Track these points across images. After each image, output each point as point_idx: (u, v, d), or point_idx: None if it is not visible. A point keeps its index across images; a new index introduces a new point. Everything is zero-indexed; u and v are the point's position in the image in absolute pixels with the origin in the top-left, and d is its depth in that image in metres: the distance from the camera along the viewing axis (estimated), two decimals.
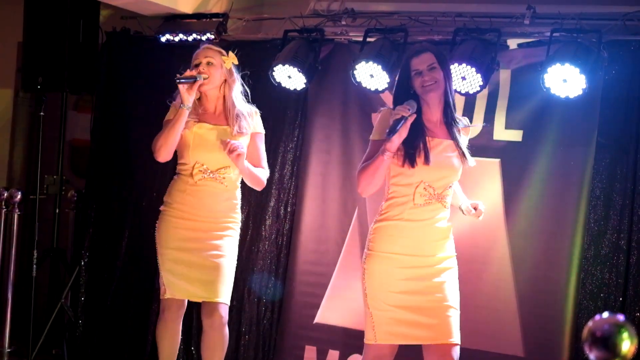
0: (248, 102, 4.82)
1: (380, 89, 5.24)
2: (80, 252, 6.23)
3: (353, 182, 5.50)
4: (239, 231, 4.83)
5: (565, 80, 4.69)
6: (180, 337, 4.87)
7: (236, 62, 4.78)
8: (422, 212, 4.05)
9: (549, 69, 4.69)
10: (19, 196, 6.00)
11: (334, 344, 5.49)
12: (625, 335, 2.08)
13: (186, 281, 4.68)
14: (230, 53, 4.78)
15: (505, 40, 5.10)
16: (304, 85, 5.46)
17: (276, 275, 5.69)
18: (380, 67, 5.12)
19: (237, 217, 4.81)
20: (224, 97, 4.74)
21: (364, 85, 5.24)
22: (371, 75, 5.18)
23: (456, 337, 4.08)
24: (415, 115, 3.97)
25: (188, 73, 4.62)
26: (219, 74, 4.70)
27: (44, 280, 6.45)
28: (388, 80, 5.15)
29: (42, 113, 6.16)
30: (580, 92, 4.71)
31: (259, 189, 4.86)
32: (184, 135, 4.66)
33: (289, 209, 5.72)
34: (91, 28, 6.28)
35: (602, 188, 4.80)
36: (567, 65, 4.63)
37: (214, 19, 5.92)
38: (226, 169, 4.68)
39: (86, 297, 6.18)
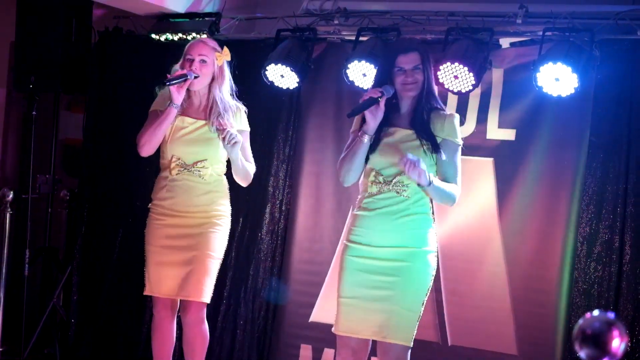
0: (235, 99, 4.78)
1: None
2: (72, 251, 6.22)
3: None
4: (224, 224, 4.74)
5: (558, 79, 4.69)
6: (174, 336, 4.83)
7: (229, 59, 4.75)
8: (376, 201, 4.02)
9: (542, 68, 4.69)
10: (11, 196, 5.98)
11: (330, 343, 5.47)
12: (615, 333, 2.08)
13: (169, 279, 4.65)
14: (225, 49, 4.74)
15: (497, 39, 5.10)
16: (296, 85, 5.46)
17: (271, 274, 5.68)
18: (372, 66, 5.11)
19: (222, 209, 4.73)
20: (210, 94, 4.70)
21: (356, 84, 5.24)
22: (364, 75, 5.18)
23: (398, 338, 3.97)
24: (384, 99, 3.95)
25: (178, 72, 4.59)
26: (210, 72, 4.67)
27: (36, 279, 6.45)
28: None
29: (34, 113, 6.15)
30: (573, 91, 4.71)
31: (245, 184, 4.80)
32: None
33: (283, 208, 5.71)
34: (84, 27, 6.26)
35: (594, 187, 4.81)
36: (559, 64, 4.63)
37: (206, 19, 5.90)
38: (203, 162, 4.64)
39: (78, 296, 6.17)
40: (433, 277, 4.06)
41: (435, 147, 4.00)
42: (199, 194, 4.66)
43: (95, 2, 6.07)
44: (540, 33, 4.87)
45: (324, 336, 5.48)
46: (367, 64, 5.12)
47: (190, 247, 4.64)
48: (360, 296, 4.00)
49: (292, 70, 5.37)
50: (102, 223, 6.20)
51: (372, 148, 4.02)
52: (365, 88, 5.22)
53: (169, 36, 5.93)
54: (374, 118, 3.97)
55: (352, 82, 5.24)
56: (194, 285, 4.60)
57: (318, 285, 5.54)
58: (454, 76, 4.86)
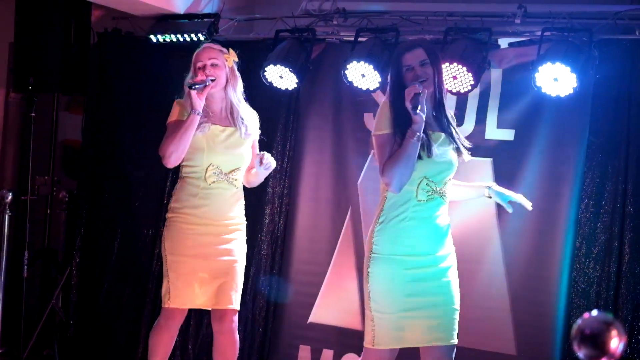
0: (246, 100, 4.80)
1: (371, 89, 5.23)
2: (71, 253, 6.22)
3: (346, 181, 5.51)
4: (245, 231, 4.78)
5: (556, 79, 4.69)
6: (174, 341, 4.82)
7: (237, 59, 4.73)
8: (425, 209, 3.96)
9: (540, 68, 4.69)
10: (10, 197, 5.97)
11: (328, 344, 5.49)
12: (614, 333, 2.08)
13: (201, 290, 4.58)
14: (231, 50, 4.72)
15: (496, 39, 5.10)
16: (295, 85, 5.45)
17: (271, 275, 5.68)
18: (371, 66, 5.11)
19: (244, 217, 4.77)
20: (227, 97, 4.67)
21: (355, 84, 5.24)
22: (363, 75, 5.18)
23: (456, 338, 4.03)
24: (425, 93, 3.89)
25: (198, 79, 4.53)
26: (223, 74, 4.64)
27: (35, 281, 6.44)
28: (379, 79, 5.15)
29: (33, 114, 6.15)
30: (571, 91, 4.71)
31: (250, 186, 4.83)
32: (195, 139, 4.54)
33: (283, 209, 5.71)
34: (82, 28, 6.27)
35: (593, 186, 4.81)
36: (558, 64, 4.63)
37: (205, 20, 5.90)
38: (237, 170, 4.64)
39: (77, 298, 6.17)
40: None
41: (461, 150, 4.06)
42: (233, 202, 4.65)
43: (94, 3, 6.06)
44: (539, 33, 4.87)
45: (323, 337, 5.49)
46: (366, 64, 5.12)
47: (223, 256, 4.60)
48: (416, 307, 3.95)
49: (291, 71, 5.37)
50: (101, 224, 6.19)
51: (429, 154, 3.93)
52: (364, 88, 5.22)
53: (168, 37, 5.93)
54: (423, 115, 3.85)
55: (351, 83, 5.24)
56: (231, 294, 4.60)
57: (317, 286, 5.54)
58: (453, 76, 4.86)
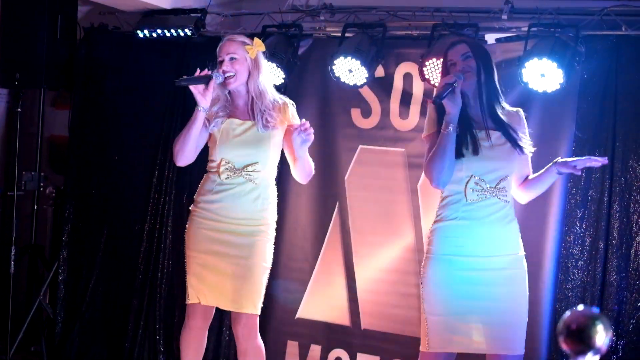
0: (279, 92, 4.59)
1: (359, 84, 5.24)
2: (58, 248, 6.20)
3: (333, 177, 5.50)
4: (272, 232, 4.49)
5: (543, 75, 4.70)
6: (205, 346, 4.63)
7: (263, 49, 4.51)
8: (477, 209, 3.91)
9: (527, 64, 4.70)
10: None
11: (316, 339, 5.49)
12: (599, 327, 2.09)
13: (213, 287, 4.42)
14: (256, 40, 4.51)
15: (483, 35, 5.10)
16: (282, 81, 5.44)
17: None
18: (359, 62, 5.11)
19: (270, 217, 4.48)
20: (249, 90, 4.47)
21: (342, 80, 5.24)
22: (350, 70, 5.18)
23: (514, 349, 3.93)
24: (460, 83, 3.87)
25: (199, 74, 4.36)
26: (244, 68, 4.44)
27: (22, 277, 6.42)
28: (367, 75, 5.15)
29: (19, 109, 6.13)
30: (558, 87, 4.72)
31: (305, 180, 4.61)
32: (213, 133, 4.44)
33: None
34: (69, 24, 6.23)
35: (579, 182, 4.81)
36: (544, 59, 4.64)
37: (192, 15, 5.89)
38: (254, 165, 4.41)
39: (65, 293, 6.15)
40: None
41: (521, 147, 3.98)
42: (249, 200, 4.41)
43: None
44: (526, 29, 4.88)
45: (311, 332, 5.49)
46: (353, 60, 5.12)
47: (240, 257, 4.39)
48: (467, 311, 3.88)
49: (278, 67, 5.36)
50: (88, 220, 6.18)
51: (474, 151, 3.90)
52: (351, 84, 5.23)
53: (155, 32, 5.90)
54: (454, 105, 3.85)
55: (338, 78, 5.24)
56: (248, 297, 4.39)
57: (305, 282, 5.55)
58: (440, 72, 4.85)
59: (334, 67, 5.21)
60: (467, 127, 3.94)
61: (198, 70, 4.40)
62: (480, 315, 3.88)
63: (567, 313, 2.13)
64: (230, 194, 4.40)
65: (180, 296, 5.46)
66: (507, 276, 3.92)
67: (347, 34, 5.34)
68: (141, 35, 5.95)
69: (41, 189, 6.38)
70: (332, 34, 5.57)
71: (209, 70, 4.38)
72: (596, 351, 2.09)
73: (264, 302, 5.58)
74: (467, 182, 3.91)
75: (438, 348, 3.92)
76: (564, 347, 2.11)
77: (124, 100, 6.12)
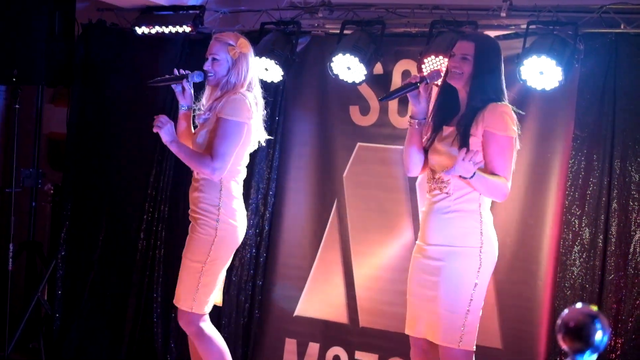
0: (250, 90, 4.46)
1: (357, 82, 5.23)
2: (56, 245, 6.20)
3: (331, 174, 5.50)
4: (210, 229, 4.34)
5: (542, 73, 4.70)
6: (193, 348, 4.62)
7: (246, 51, 4.46)
8: (429, 201, 4.04)
9: (526, 62, 4.69)
10: None
11: (314, 337, 5.49)
12: (598, 326, 2.09)
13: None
14: (241, 41, 4.48)
15: (482, 32, 5.10)
16: (280, 78, 5.44)
17: (256, 268, 5.67)
18: (357, 59, 5.11)
19: (208, 212, 4.35)
20: (220, 87, 4.42)
21: (341, 77, 5.24)
22: (348, 68, 5.18)
23: (437, 338, 3.94)
24: (423, 85, 3.96)
25: (176, 73, 4.44)
26: (223, 68, 4.40)
27: (20, 274, 6.42)
28: (365, 72, 5.15)
29: (17, 106, 6.12)
30: (557, 85, 4.72)
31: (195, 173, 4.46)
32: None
33: (268, 202, 5.70)
34: (67, 20, 6.22)
35: (578, 180, 4.81)
36: (543, 57, 4.64)
37: (190, 12, 5.89)
38: None
39: (63, 290, 6.15)
40: (479, 275, 3.93)
41: (464, 141, 3.88)
42: (191, 193, 4.44)
43: None
44: (525, 26, 4.87)
45: (309, 330, 5.49)
46: (352, 57, 5.11)
47: (184, 250, 4.48)
48: (415, 294, 4.04)
49: (276, 64, 5.36)
50: (86, 217, 6.18)
51: (427, 147, 4.06)
52: (350, 81, 5.23)
53: (153, 29, 5.90)
54: (417, 103, 4.03)
55: (336, 76, 5.23)
56: (178, 290, 4.44)
57: (303, 280, 5.54)
58: (439, 69, 4.85)
59: (332, 64, 5.20)
60: (437, 123, 4.04)
61: (175, 70, 4.46)
62: (421, 301, 4.00)
63: (566, 311, 2.13)
64: (190, 187, 4.49)
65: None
66: (438, 267, 3.95)
67: (345, 31, 5.33)
68: (139, 31, 5.95)
69: (39, 185, 6.37)
70: (330, 31, 5.56)
71: (185, 70, 4.45)
72: (594, 349, 2.09)
73: (262, 300, 5.59)
74: (430, 175, 4.07)
75: (407, 330, 4.10)
76: (563, 345, 2.10)
77: (123, 97, 6.12)
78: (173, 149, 4.35)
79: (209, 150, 4.30)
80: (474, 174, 3.77)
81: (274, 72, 5.41)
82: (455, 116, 4.02)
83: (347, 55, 5.13)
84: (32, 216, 6.32)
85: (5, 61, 6.15)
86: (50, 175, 6.61)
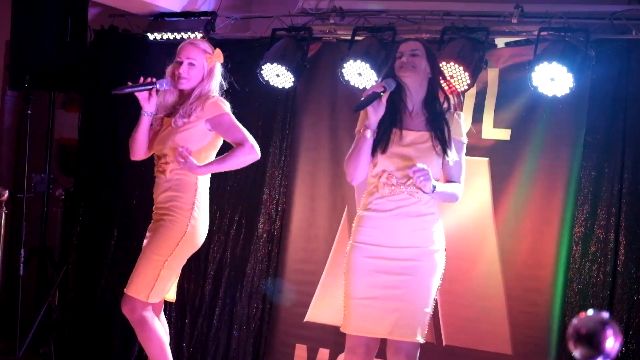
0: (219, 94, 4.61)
1: (368, 88, 5.23)
2: (68, 250, 6.22)
3: (342, 180, 5.49)
4: (182, 226, 4.43)
5: (553, 79, 4.70)
6: (162, 329, 4.67)
7: (221, 61, 4.61)
8: (387, 203, 4.03)
9: (537, 68, 4.69)
10: (6, 195, 5.98)
11: (325, 343, 5.49)
12: (609, 332, 2.08)
13: None
14: (217, 51, 4.61)
15: (493, 39, 5.10)
16: (292, 84, 5.46)
17: (267, 274, 5.68)
18: (368, 65, 5.12)
19: (182, 209, 4.44)
20: (191, 93, 4.54)
21: (352, 83, 5.25)
22: (359, 74, 5.18)
23: (407, 335, 4.00)
24: (387, 93, 3.97)
25: (142, 81, 4.52)
26: (198, 74, 4.53)
27: (31, 279, 6.43)
28: (376, 78, 5.15)
29: (29, 111, 6.14)
30: (568, 91, 4.72)
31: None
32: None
33: (279, 208, 5.71)
34: (79, 26, 6.25)
35: (589, 186, 4.81)
36: (554, 64, 4.64)
37: (202, 18, 5.91)
38: (165, 157, 4.50)
39: (74, 295, 6.17)
40: (442, 276, 4.09)
41: (446, 150, 4.02)
42: (162, 191, 4.51)
43: (91, 0, 6.06)
44: (536, 33, 4.87)
45: (319, 336, 5.49)
46: (363, 63, 5.12)
47: (146, 242, 4.54)
48: (373, 296, 4.02)
49: (287, 70, 5.37)
50: (97, 222, 6.19)
51: (383, 150, 4.03)
52: (360, 87, 5.23)
53: (165, 35, 5.93)
54: (375, 113, 3.99)
55: (347, 82, 5.24)
56: (132, 279, 4.52)
57: (313, 285, 5.54)
58: (450, 75, 4.86)
59: (343, 70, 5.21)
60: (387, 125, 4.05)
61: (142, 78, 4.54)
62: (384, 301, 4.00)
63: (577, 317, 2.12)
64: (155, 186, 4.58)
65: (187, 297, 5.46)
66: (410, 267, 4.02)
67: (356, 38, 5.34)
68: (151, 38, 5.97)
69: (51, 191, 6.39)
70: (341, 37, 5.57)
71: (152, 78, 4.52)
72: (606, 356, 2.08)
73: (272, 306, 5.59)
74: (380, 176, 4.04)
75: (353, 330, 4.06)
76: (574, 351, 2.10)
77: (133, 102, 6.12)
78: (205, 172, 4.49)
79: (234, 143, 4.49)
80: (434, 189, 3.94)
81: (285, 78, 5.42)
82: (398, 119, 4.05)
83: (358, 61, 5.14)
84: (43, 221, 6.34)
85: (18, 67, 6.18)
86: (62, 180, 6.64)
